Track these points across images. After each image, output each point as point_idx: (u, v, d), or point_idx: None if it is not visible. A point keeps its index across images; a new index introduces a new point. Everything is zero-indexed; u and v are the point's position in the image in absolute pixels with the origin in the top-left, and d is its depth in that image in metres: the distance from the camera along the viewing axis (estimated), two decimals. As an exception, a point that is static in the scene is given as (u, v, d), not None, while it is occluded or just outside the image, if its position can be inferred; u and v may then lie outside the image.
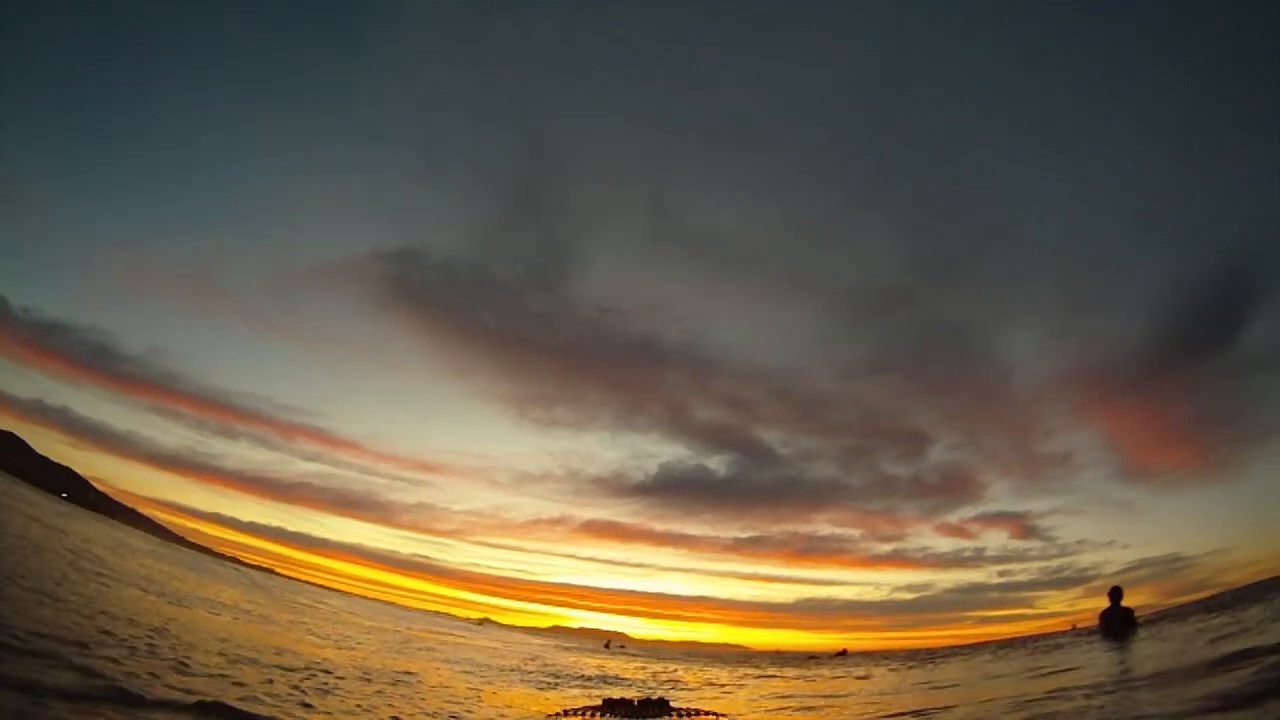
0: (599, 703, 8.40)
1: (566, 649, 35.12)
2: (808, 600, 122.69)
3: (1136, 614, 16.91)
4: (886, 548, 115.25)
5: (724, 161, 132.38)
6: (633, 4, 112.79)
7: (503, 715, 7.87)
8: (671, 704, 8.14)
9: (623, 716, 7.48)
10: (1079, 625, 25.94)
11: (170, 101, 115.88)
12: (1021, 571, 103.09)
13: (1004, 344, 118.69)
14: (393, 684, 8.76)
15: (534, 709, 8.64)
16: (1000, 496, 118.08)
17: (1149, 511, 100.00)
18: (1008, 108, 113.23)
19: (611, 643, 52.72)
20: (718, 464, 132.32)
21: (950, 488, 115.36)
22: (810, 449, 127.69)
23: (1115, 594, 17.35)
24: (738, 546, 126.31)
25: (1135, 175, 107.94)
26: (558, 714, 7.76)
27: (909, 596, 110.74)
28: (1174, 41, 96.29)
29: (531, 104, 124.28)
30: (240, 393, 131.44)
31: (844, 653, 36.67)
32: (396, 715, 6.58)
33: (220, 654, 7.93)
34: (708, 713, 7.98)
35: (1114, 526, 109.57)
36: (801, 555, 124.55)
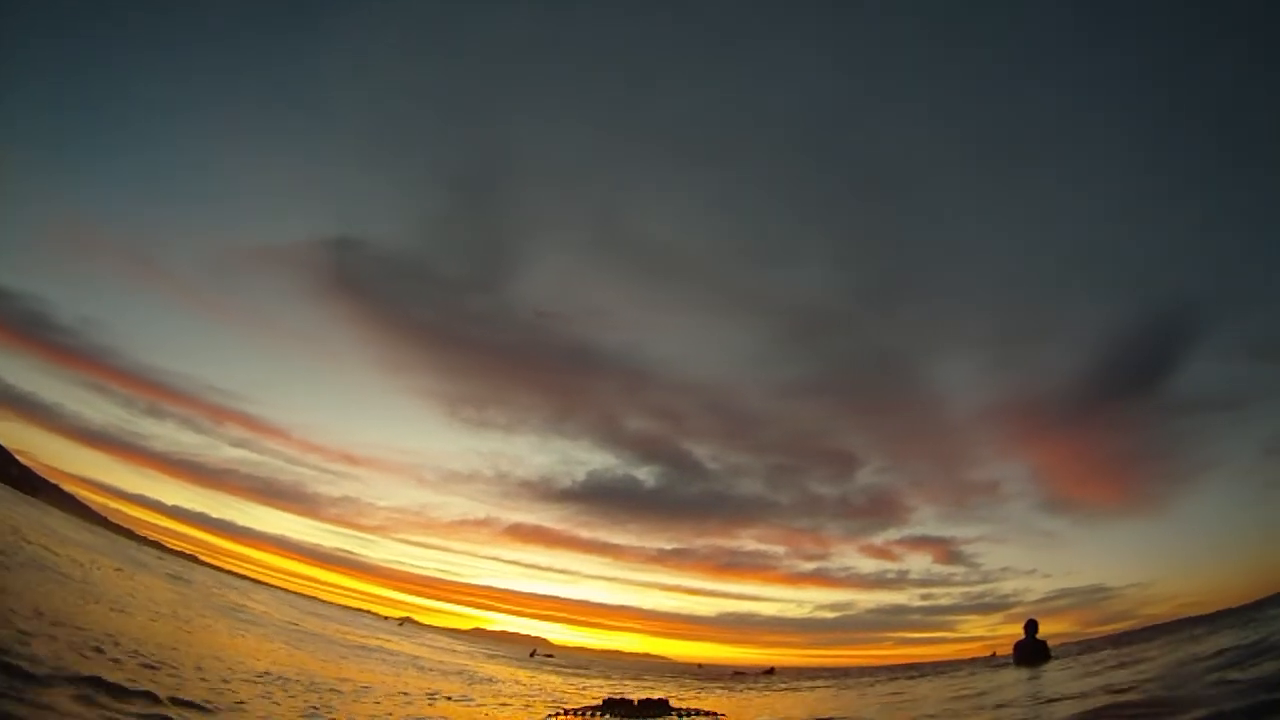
0: (599, 702, 8.31)
1: (494, 657, 34.51)
2: (730, 615, 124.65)
3: (1050, 644, 18.20)
4: (810, 566, 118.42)
5: (672, 174, 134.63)
6: (598, 12, 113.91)
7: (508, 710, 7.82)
8: (671, 704, 8.09)
9: (623, 716, 7.41)
10: (999, 654, 27.57)
11: (121, 73, 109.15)
12: (944, 595, 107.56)
13: (938, 373, 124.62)
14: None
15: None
16: (926, 521, 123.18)
17: (1072, 543, 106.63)
18: (957, 142, 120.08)
19: (536, 651, 52.05)
20: (646, 475, 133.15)
21: (876, 510, 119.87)
22: (739, 465, 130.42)
23: (1031, 626, 18.60)
24: (662, 558, 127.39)
25: (1078, 217, 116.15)
26: (558, 713, 7.73)
27: (831, 615, 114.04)
28: (1120, 91, 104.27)
29: (488, 101, 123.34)
30: (171, 372, 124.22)
31: (771, 671, 37.51)
32: None
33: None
34: (707, 713, 7.96)
35: (1037, 556, 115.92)
36: (725, 570, 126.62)
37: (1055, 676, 10.67)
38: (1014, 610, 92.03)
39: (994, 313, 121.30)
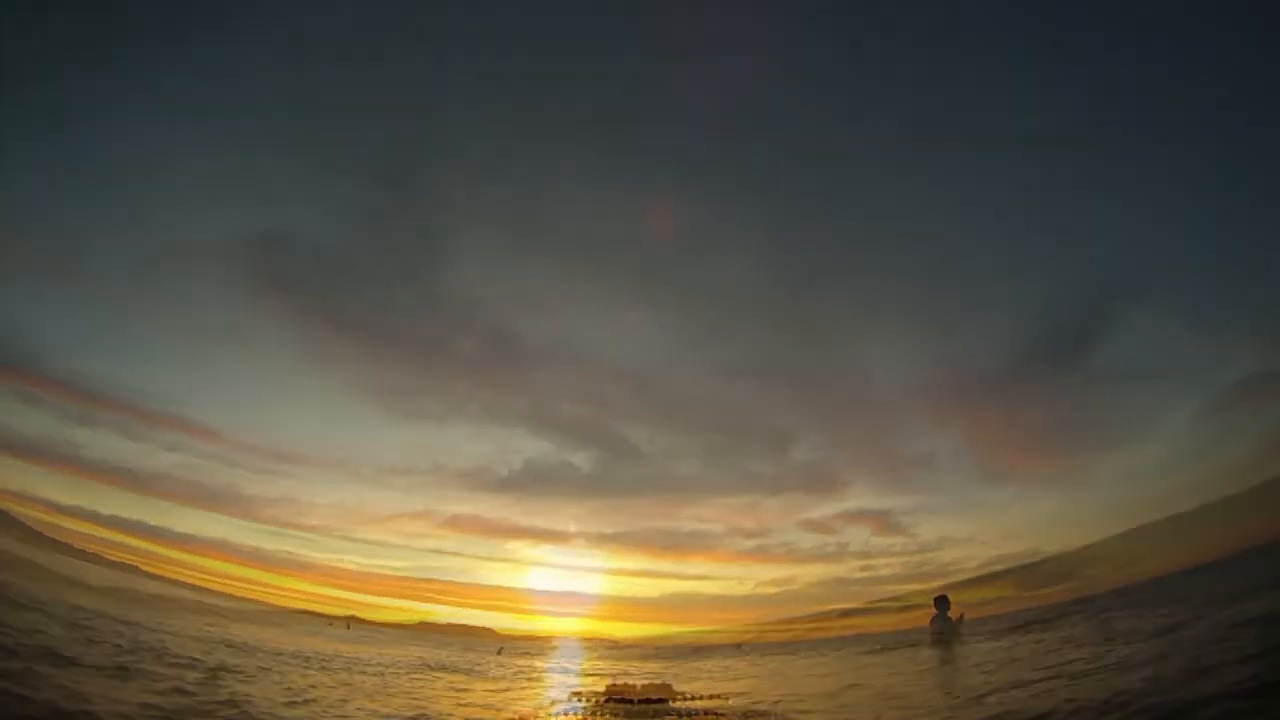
0: (603, 689, 8.43)
1: (481, 658, 35.13)
2: (674, 595, 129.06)
3: (991, 612, 21.13)
4: (750, 543, 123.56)
5: (599, 159, 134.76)
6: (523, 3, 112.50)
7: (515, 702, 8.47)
8: (675, 690, 8.25)
9: (625, 708, 7.50)
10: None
11: (36, 61, 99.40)
12: (884, 566, 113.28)
13: (867, 349, 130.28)
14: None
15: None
16: (863, 494, 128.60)
17: (1008, 510, 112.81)
18: (883, 121, 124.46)
19: (504, 648, 53.34)
20: (582, 460, 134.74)
21: (812, 485, 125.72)
22: (674, 446, 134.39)
23: (941, 603, 21.52)
24: (602, 541, 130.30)
25: (1005, 195, 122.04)
26: (566, 700, 8.16)
27: (774, 590, 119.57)
28: (1046, 70, 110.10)
29: (415, 90, 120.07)
30: (100, 375, 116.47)
31: (740, 646, 40.13)
32: None
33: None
34: (714, 698, 7.90)
35: (974, 524, 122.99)
36: (667, 550, 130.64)
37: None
38: (955, 578, 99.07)
39: (921, 290, 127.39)
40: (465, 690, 12.04)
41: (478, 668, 20.52)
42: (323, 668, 15.04)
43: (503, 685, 14.26)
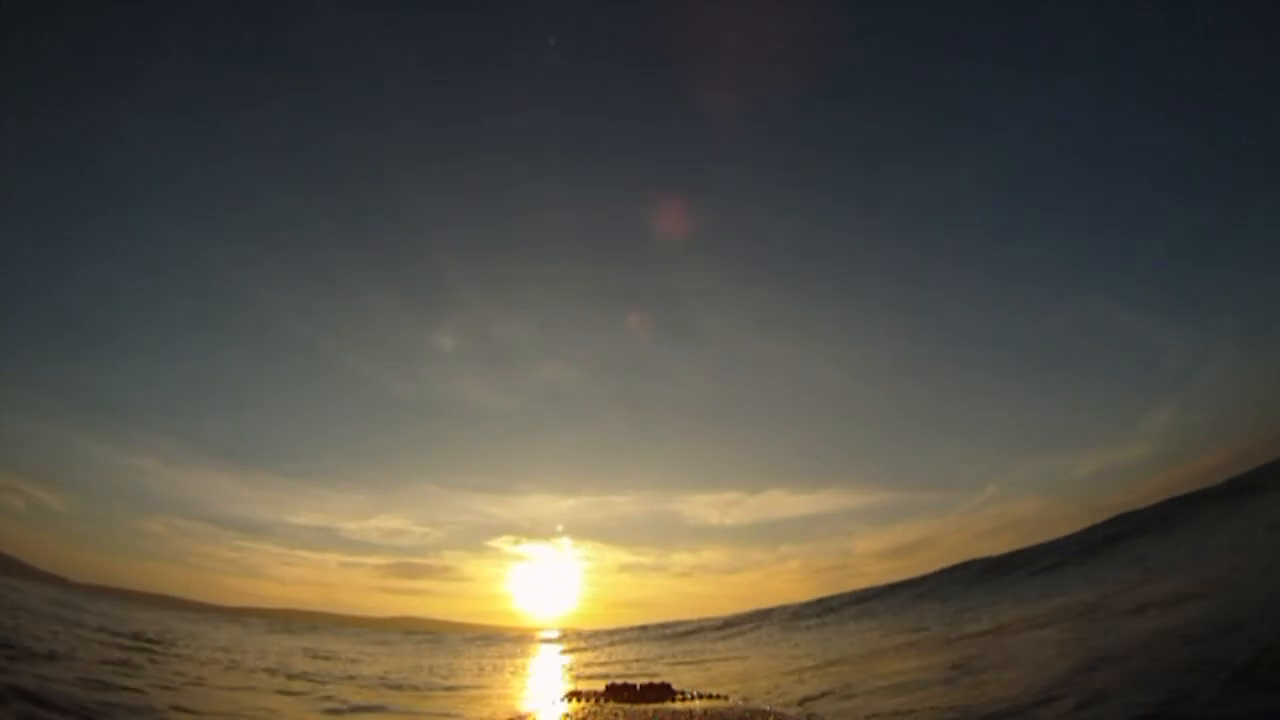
0: (603, 688, 8.25)
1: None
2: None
3: None
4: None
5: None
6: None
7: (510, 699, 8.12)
8: (674, 688, 8.01)
9: (626, 701, 7.27)
10: None
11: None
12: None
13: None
14: None
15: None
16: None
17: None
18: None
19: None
20: None
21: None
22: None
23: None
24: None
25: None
26: (563, 698, 7.94)
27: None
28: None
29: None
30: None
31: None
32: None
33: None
34: (714, 697, 7.75)
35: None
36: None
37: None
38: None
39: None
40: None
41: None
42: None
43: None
